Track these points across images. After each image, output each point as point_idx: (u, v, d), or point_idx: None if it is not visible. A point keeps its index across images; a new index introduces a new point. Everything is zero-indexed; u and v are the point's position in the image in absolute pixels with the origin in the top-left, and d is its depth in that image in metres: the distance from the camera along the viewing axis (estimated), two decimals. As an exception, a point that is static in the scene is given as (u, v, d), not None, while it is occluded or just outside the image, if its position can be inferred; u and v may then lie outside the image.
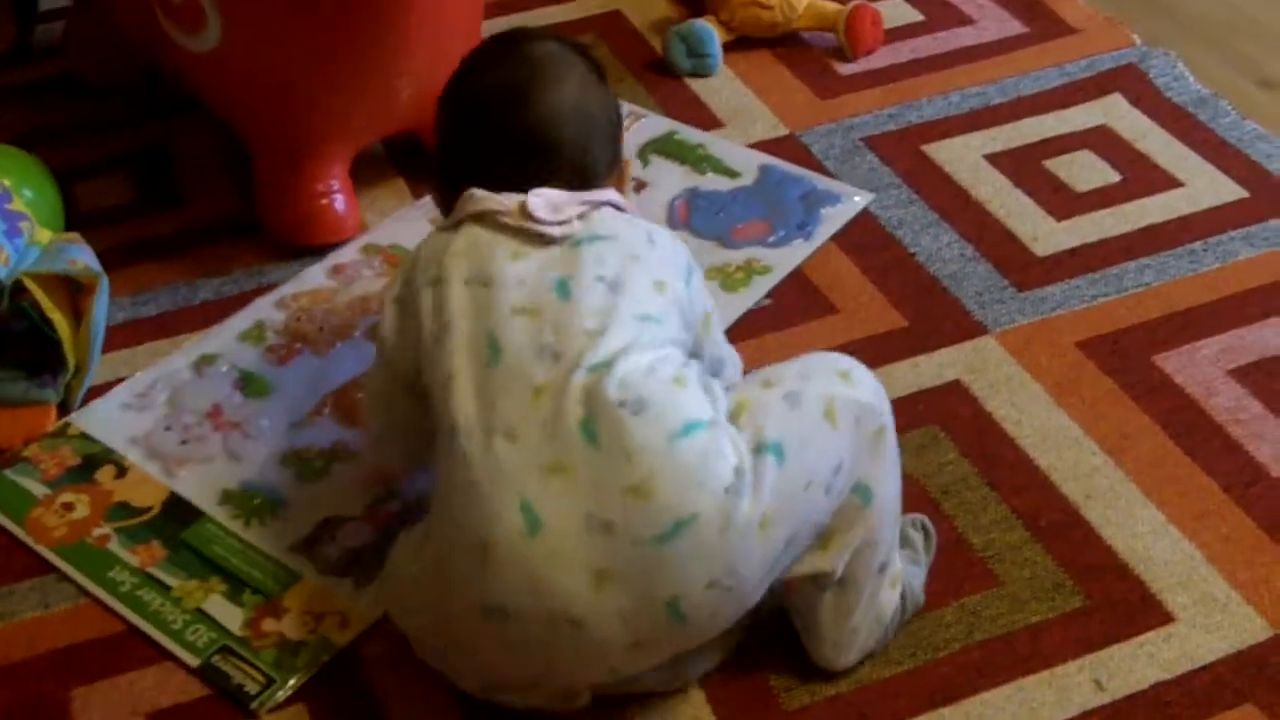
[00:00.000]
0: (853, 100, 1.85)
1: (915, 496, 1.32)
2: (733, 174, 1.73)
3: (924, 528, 1.24)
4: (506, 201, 1.16)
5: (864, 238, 1.62)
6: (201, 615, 1.26)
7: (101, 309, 1.46)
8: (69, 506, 1.37)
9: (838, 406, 1.09)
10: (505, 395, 1.07)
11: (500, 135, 1.21)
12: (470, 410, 1.07)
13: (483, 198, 1.17)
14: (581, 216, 1.17)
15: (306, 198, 1.64)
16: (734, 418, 1.07)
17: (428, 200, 1.72)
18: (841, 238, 1.63)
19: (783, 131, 1.80)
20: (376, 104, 1.62)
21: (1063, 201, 1.66)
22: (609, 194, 1.22)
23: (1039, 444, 1.36)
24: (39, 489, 1.38)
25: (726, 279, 1.57)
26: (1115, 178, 1.69)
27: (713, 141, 1.78)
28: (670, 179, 1.73)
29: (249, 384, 1.49)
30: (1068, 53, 1.90)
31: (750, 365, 1.41)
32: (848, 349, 1.42)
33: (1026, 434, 1.37)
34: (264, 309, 1.58)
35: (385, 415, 1.24)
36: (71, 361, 1.44)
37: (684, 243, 1.26)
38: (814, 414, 1.08)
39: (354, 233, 1.67)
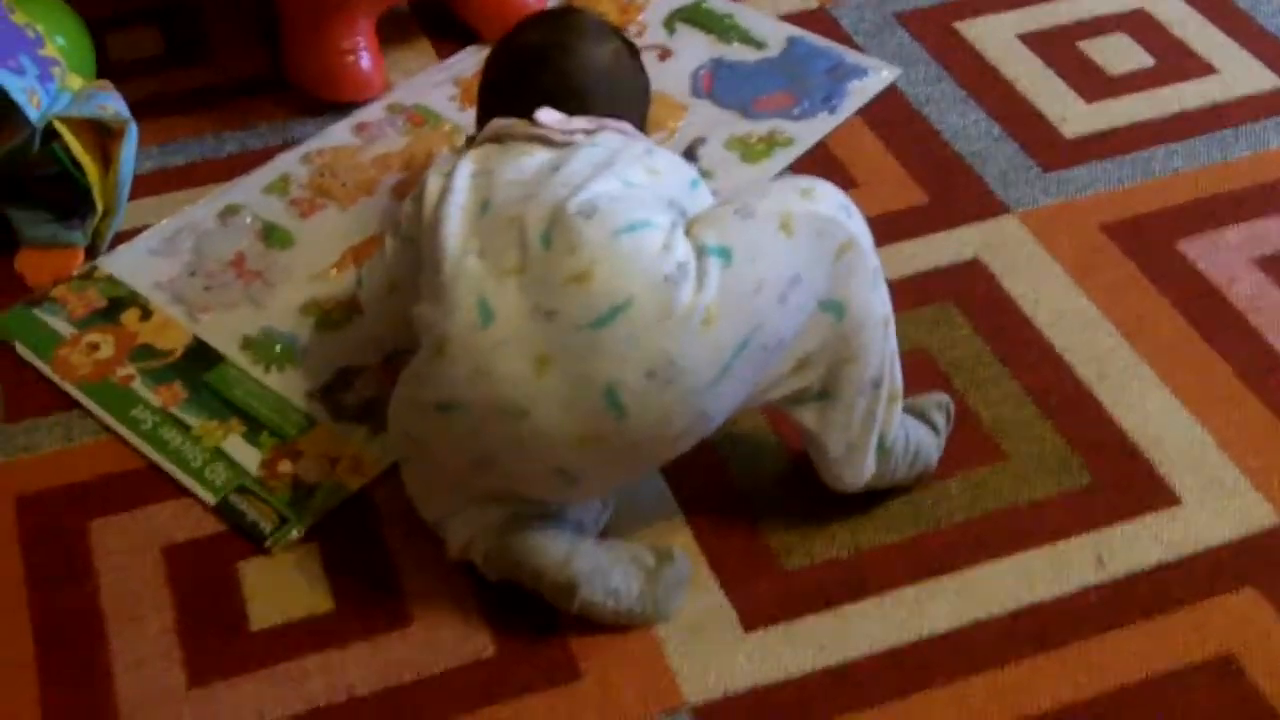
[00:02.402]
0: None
1: (925, 370, 1.31)
2: (759, 45, 1.69)
3: (947, 411, 1.23)
4: (513, 121, 1.20)
5: (889, 113, 1.59)
6: (220, 455, 1.27)
7: (130, 155, 1.45)
8: (94, 346, 1.37)
9: (795, 218, 1.09)
10: (485, 231, 1.10)
11: (533, 80, 1.27)
12: (455, 243, 1.09)
13: (499, 121, 1.21)
14: (588, 133, 1.20)
15: (332, 54, 1.62)
16: (687, 229, 1.09)
17: (453, 61, 1.70)
18: (867, 112, 1.60)
19: (813, 4, 1.77)
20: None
21: (1094, 84, 1.62)
22: (621, 123, 1.24)
23: (1055, 323, 1.35)
24: (65, 328, 1.39)
25: (747, 149, 1.55)
26: (1149, 62, 1.65)
27: (741, 12, 1.74)
28: (695, 48, 1.69)
29: (272, 235, 1.48)
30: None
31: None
32: (868, 219, 1.42)
33: (1043, 313, 1.36)
34: (288, 163, 1.57)
35: (376, 311, 1.26)
36: (100, 205, 1.44)
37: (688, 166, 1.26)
38: (767, 225, 1.08)
39: (379, 91, 1.65)
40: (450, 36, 1.74)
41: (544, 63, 1.30)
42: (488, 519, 1.12)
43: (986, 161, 1.52)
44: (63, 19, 1.57)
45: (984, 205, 1.47)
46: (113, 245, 1.48)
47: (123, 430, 1.30)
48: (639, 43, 1.67)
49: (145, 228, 1.50)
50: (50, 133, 1.41)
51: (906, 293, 1.37)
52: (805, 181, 1.15)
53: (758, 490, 1.22)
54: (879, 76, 1.64)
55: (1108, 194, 1.48)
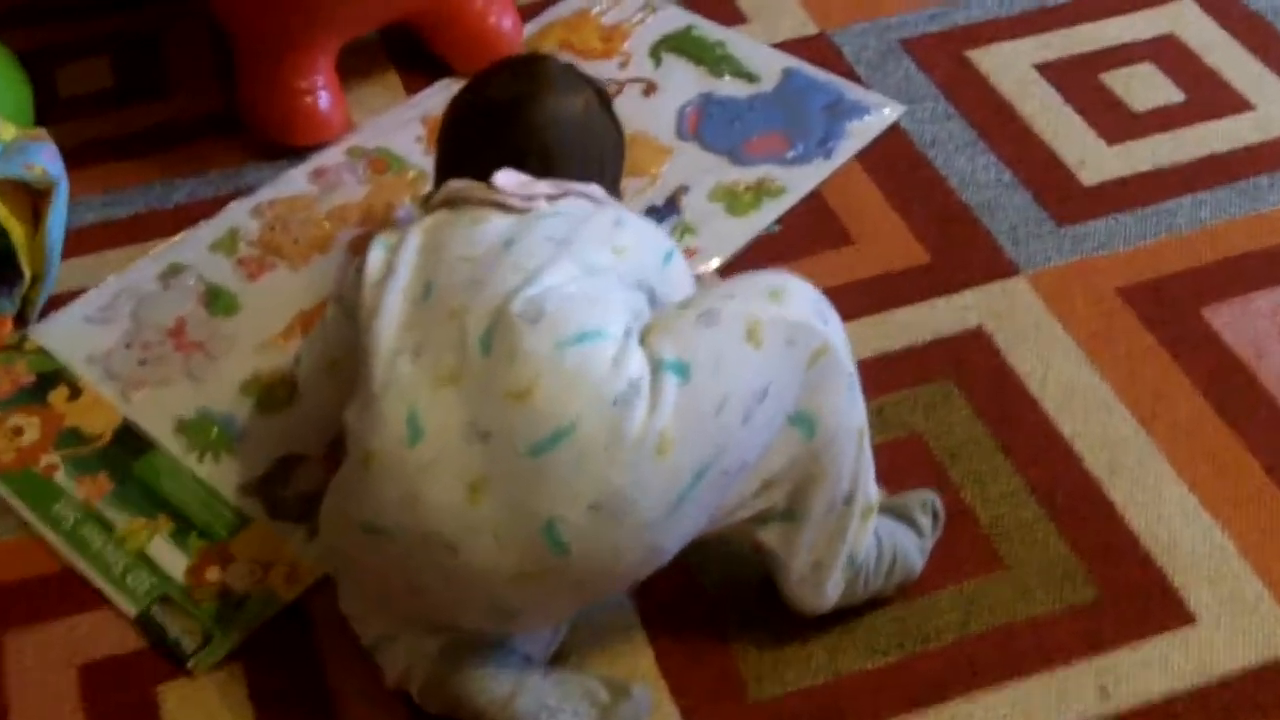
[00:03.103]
0: (895, -4, 1.69)
1: (918, 460, 1.21)
2: (752, 78, 1.59)
3: (934, 511, 1.14)
4: (474, 184, 1.13)
5: (891, 157, 1.49)
6: (144, 560, 1.19)
7: (59, 217, 1.37)
8: (18, 430, 1.29)
9: (763, 327, 0.99)
10: (425, 323, 1.01)
11: (496, 136, 1.20)
12: (389, 336, 1.01)
13: (455, 183, 1.15)
14: (551, 199, 1.12)
15: (288, 94, 1.53)
16: (644, 338, 0.99)
17: (421, 97, 1.61)
18: (866, 156, 1.50)
19: (812, 30, 1.66)
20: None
21: (1117, 122, 1.51)
22: (590, 187, 1.16)
23: (1064, 405, 1.24)
24: (-12, 409, 1.31)
25: (734, 200, 1.45)
26: (1178, 97, 1.54)
27: (733, 39, 1.64)
28: (683, 82, 1.59)
29: (216, 300, 1.40)
30: (1137, -52, 1.73)
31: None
32: (862, 285, 1.34)
33: (1051, 392, 1.26)
34: (238, 215, 1.48)
35: (313, 396, 1.18)
36: (28, 272, 1.36)
37: (660, 230, 1.23)
38: (731, 334, 0.99)
39: (339, 132, 1.56)
40: (420, 68, 1.65)
41: (507, 118, 1.21)
42: (425, 648, 1.04)
43: (996, 213, 1.42)
44: (-6, 61, 1.50)
45: (991, 265, 1.37)
46: (47, 310, 1.40)
47: (42, 529, 1.22)
48: (622, 75, 1.58)
49: (83, 290, 1.42)
50: (-29, 196, 1.34)
51: (902, 368, 1.28)
52: (775, 280, 1.05)
53: (730, 602, 1.13)
54: (881, 115, 1.53)
55: (1127, 252, 1.37)
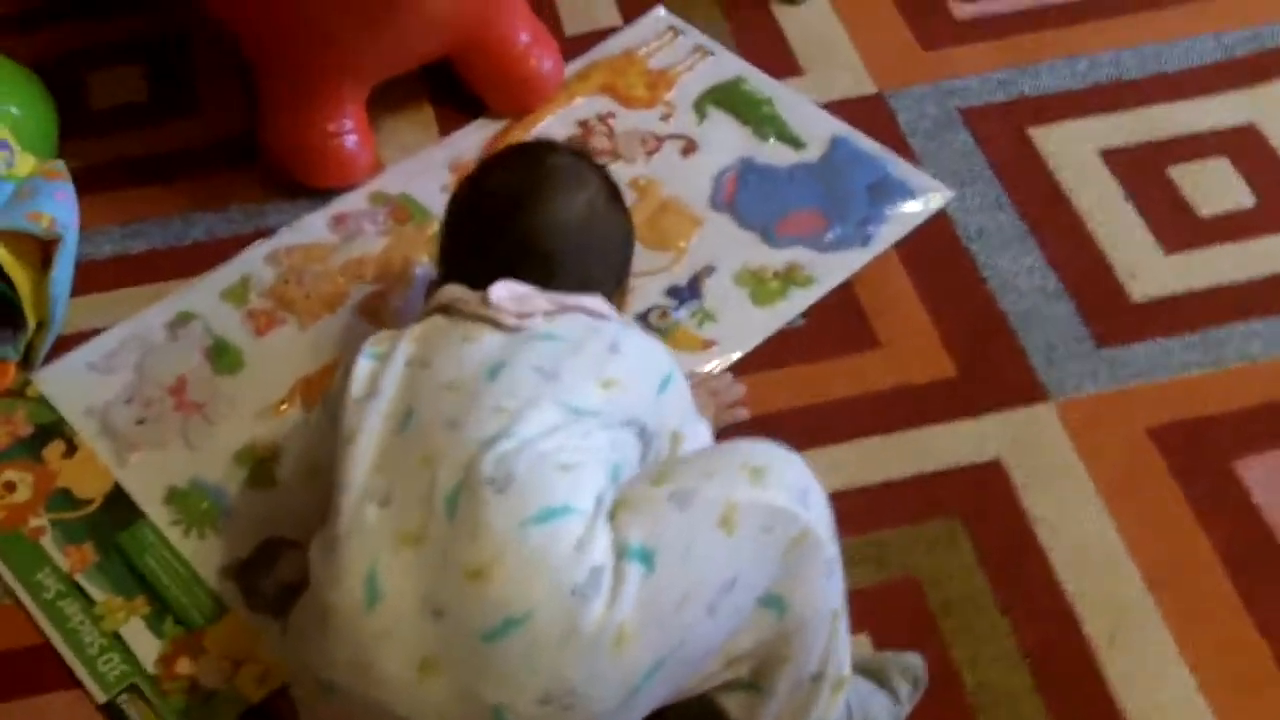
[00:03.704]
0: (959, 56, 1.63)
1: (911, 608, 1.19)
2: (798, 144, 1.55)
3: (914, 678, 1.12)
4: (472, 294, 1.12)
5: (932, 248, 1.45)
6: (118, 642, 1.22)
7: (65, 267, 1.38)
8: (11, 487, 1.32)
9: (739, 512, 0.98)
10: (398, 463, 1.01)
11: (497, 238, 1.18)
12: (362, 472, 1.02)
13: (451, 290, 1.15)
14: (548, 315, 1.11)
15: (314, 135, 1.52)
16: (613, 515, 0.98)
17: (452, 140, 1.60)
18: (906, 245, 1.45)
19: (869, 89, 1.61)
20: (403, 33, 1.47)
21: (1178, 226, 1.45)
22: (590, 300, 1.15)
23: (1073, 560, 1.21)
24: (-16, 461, 1.34)
25: (760, 287, 1.42)
26: (1249, 201, 1.48)
27: (784, 96, 1.60)
28: (725, 142, 1.56)
29: (221, 355, 1.41)
30: (1230, 16, 1.64)
31: (765, 401, 1.30)
32: (881, 398, 1.31)
33: (1062, 544, 1.23)
34: (253, 262, 1.49)
35: (294, 496, 1.16)
36: (32, 320, 1.38)
37: (662, 345, 1.19)
38: (704, 519, 0.97)
39: (365, 175, 1.55)
40: (456, 104, 1.63)
41: (505, 221, 1.19)
42: None
43: (1033, 326, 1.37)
44: (19, 86, 1.51)
45: (1020, 387, 1.33)
46: (54, 353, 1.42)
47: (25, 597, 1.25)
48: (662, 129, 1.56)
49: (92, 332, 1.44)
50: (-22, 242, 1.35)
51: (909, 498, 1.26)
52: (759, 456, 1.02)
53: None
54: (926, 200, 1.49)
55: (1166, 384, 1.33)
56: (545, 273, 1.15)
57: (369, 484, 1.01)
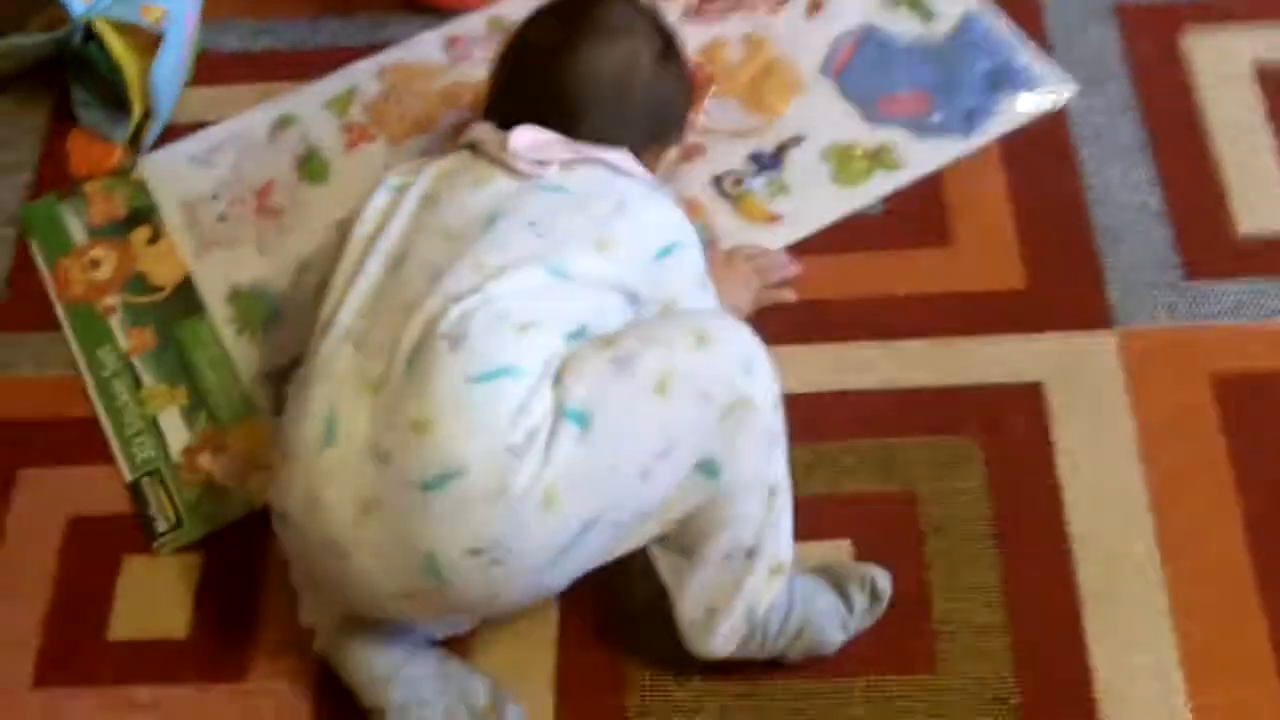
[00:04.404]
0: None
1: (901, 523, 1.17)
2: (928, 16, 1.47)
3: (873, 588, 1.10)
4: (497, 134, 1.13)
5: (1038, 148, 1.36)
6: (153, 427, 1.30)
7: (168, 62, 1.43)
8: (95, 263, 1.41)
9: (676, 377, 0.99)
10: (382, 306, 1.05)
11: (532, 84, 1.18)
12: (350, 312, 1.06)
13: (479, 128, 1.16)
14: (566, 165, 1.12)
15: (439, -51, 1.52)
16: (559, 376, 0.99)
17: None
18: (1011, 139, 1.37)
19: (1029, -36, 1.50)
20: None
21: (1316, 158, 1.33)
22: (613, 154, 1.14)
23: (1086, 503, 1.16)
24: (79, 234, 1.43)
25: (845, 164, 1.37)
26: None
27: (930, -37, 1.51)
28: (852, 3, 1.49)
29: (310, 163, 1.46)
30: None
31: (817, 286, 1.28)
32: (938, 300, 1.28)
33: (1080, 484, 1.17)
34: (362, 74, 1.52)
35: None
36: (138, 108, 1.44)
37: (686, 216, 1.17)
38: (643, 384, 0.99)
39: (485, 1, 1.55)
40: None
41: (540, 65, 1.19)
42: (328, 613, 1.11)
43: (1121, 245, 1.29)
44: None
45: (1087, 310, 1.26)
46: (164, 140, 1.49)
47: (85, 371, 1.34)
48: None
49: (204, 123, 1.50)
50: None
51: (933, 410, 1.23)
52: (705, 323, 1.03)
53: (648, 629, 1.13)
54: (1046, 95, 1.39)
55: (1246, 329, 1.23)
56: (570, 120, 1.15)
57: (352, 325, 1.05)
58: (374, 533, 0.99)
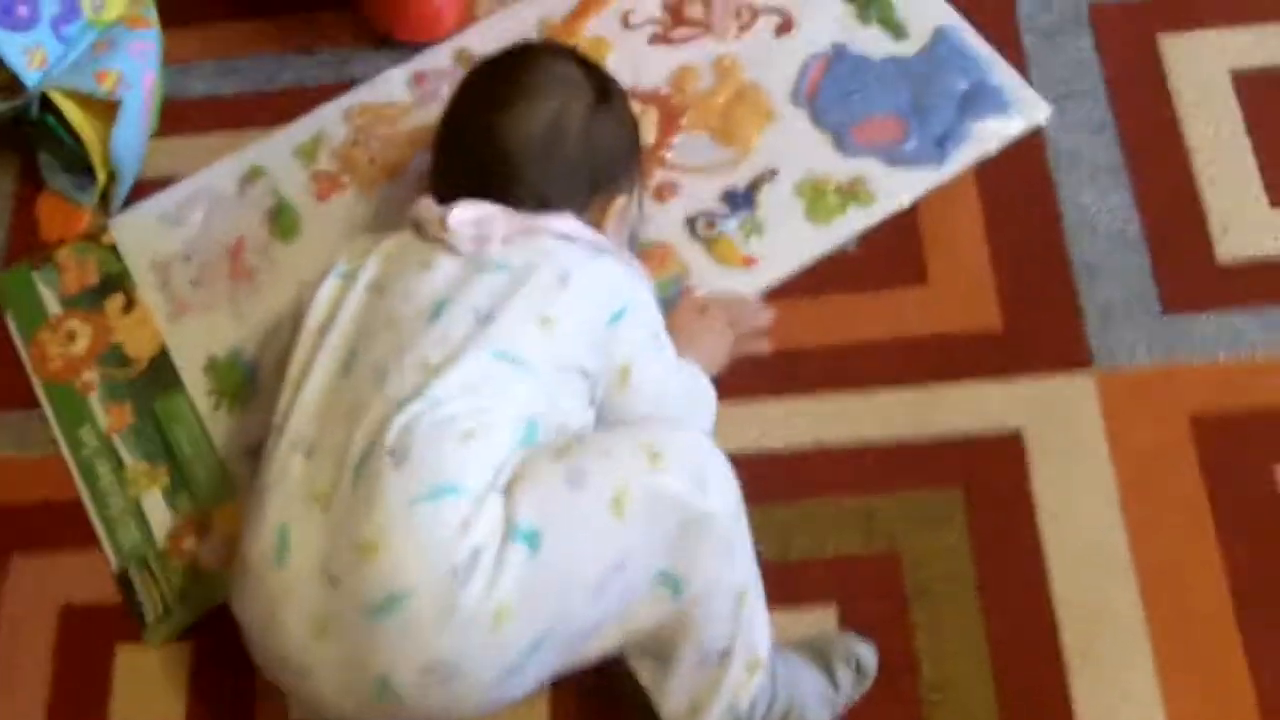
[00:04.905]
0: (1109, -67, 1.48)
1: (886, 585, 1.18)
2: (899, 32, 1.45)
3: (859, 665, 1.11)
4: (437, 212, 1.13)
5: (1013, 174, 1.35)
6: (137, 511, 1.31)
7: (128, 126, 1.42)
8: (71, 336, 1.42)
9: (631, 496, 0.99)
10: (331, 411, 1.06)
11: (463, 148, 1.20)
12: (299, 419, 1.07)
13: (421, 206, 1.16)
14: (508, 240, 1.11)
15: (398, -15, 1.51)
16: (510, 487, 1.00)
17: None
18: (986, 166, 1.36)
19: (1001, -30, 1.48)
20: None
21: (1295, 173, 1.31)
22: (554, 220, 1.14)
23: (1067, 556, 1.17)
24: (53, 305, 1.43)
25: (818, 200, 1.36)
26: (1390, 150, 1.31)
27: (898, -27, 1.49)
28: (822, 23, 1.47)
29: (280, 217, 1.45)
30: None
31: (791, 334, 1.27)
32: (915, 345, 1.27)
33: (1059, 537, 1.18)
34: (329, 117, 1.51)
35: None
36: (101, 174, 1.44)
37: (634, 268, 1.18)
38: (596, 502, 0.99)
39: (451, 29, 1.54)
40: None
41: (472, 128, 1.20)
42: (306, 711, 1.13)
43: (1098, 279, 1.28)
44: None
45: (1065, 350, 1.26)
46: (134, 197, 1.49)
47: (66, 451, 1.35)
48: (760, 1, 1.47)
49: (175, 177, 1.49)
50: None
51: (916, 462, 1.23)
52: (662, 436, 1.04)
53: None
54: (1019, 116, 1.38)
55: (1226, 365, 1.23)
56: (506, 186, 1.15)
57: (302, 432, 1.06)
58: (329, 654, 1.00)
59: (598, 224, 1.18)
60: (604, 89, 1.21)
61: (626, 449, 1.02)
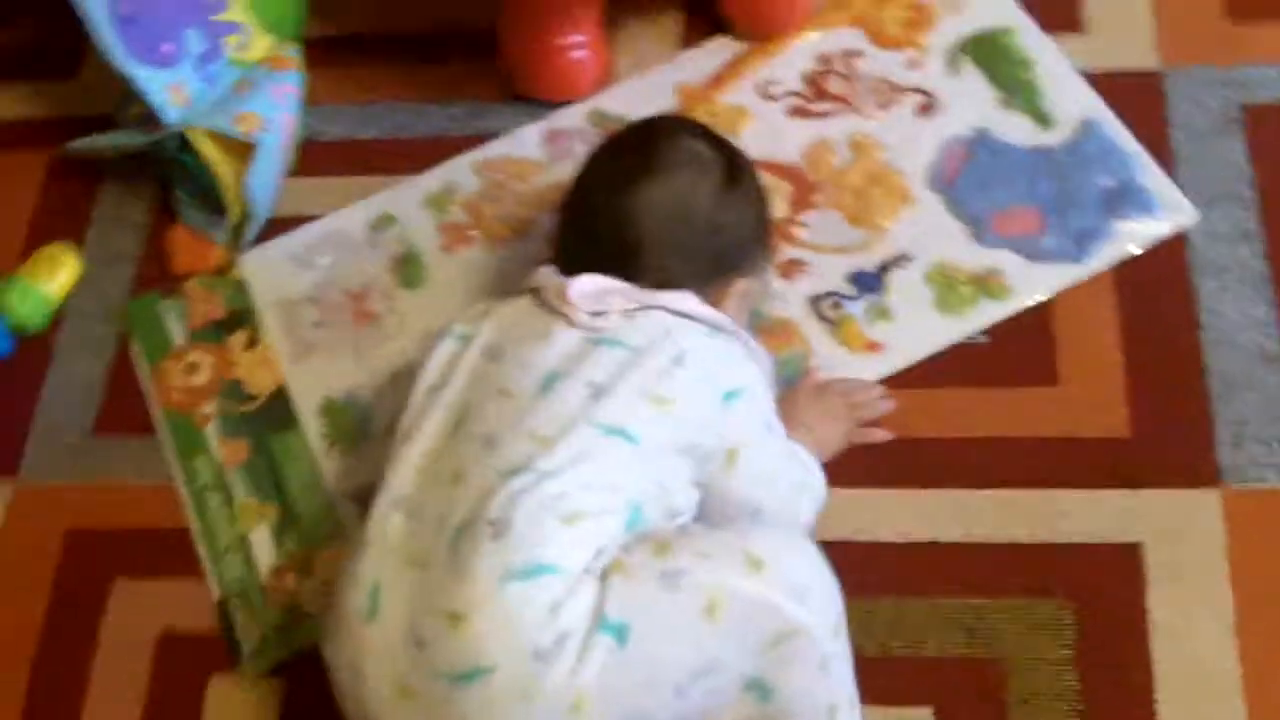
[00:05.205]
0: (1271, 36, 1.46)
1: (987, 692, 1.17)
2: (1045, 122, 1.45)
3: None
4: (557, 282, 1.16)
5: (1152, 277, 1.34)
6: (243, 545, 1.35)
7: (264, 169, 1.47)
8: (193, 369, 1.47)
9: (725, 602, 1.00)
10: (436, 474, 1.09)
11: (587, 223, 1.22)
12: (402, 479, 1.10)
13: (542, 274, 1.20)
14: (627, 314, 1.14)
15: (539, 42, 1.55)
16: (606, 575, 1.02)
17: (687, 57, 1.59)
18: (1125, 266, 1.35)
19: (1151, 63, 1.48)
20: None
21: None
22: (674, 298, 1.16)
23: (1179, 683, 1.15)
24: (179, 335, 1.49)
25: (949, 290, 1.37)
26: None
27: (1048, 59, 1.49)
28: (967, 105, 1.48)
29: (407, 266, 1.49)
30: None
31: (910, 424, 1.28)
32: (1039, 446, 1.28)
33: (1174, 659, 1.16)
34: (461, 169, 1.55)
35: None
36: (234, 211, 1.50)
37: (752, 349, 1.20)
38: (690, 604, 1.00)
39: (589, 90, 1.58)
40: (707, 17, 1.60)
41: (596, 210, 1.22)
42: None
43: (1234, 395, 1.27)
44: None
45: (1193, 464, 1.24)
46: (267, 235, 1.54)
47: (180, 480, 1.40)
48: (903, 79, 1.51)
49: (307, 217, 1.54)
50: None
51: (1026, 568, 1.23)
52: (766, 545, 1.04)
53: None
54: (1164, 221, 1.37)
55: (1362, 496, 1.21)
56: (628, 262, 1.18)
57: (404, 491, 1.09)
58: (410, 715, 1.03)
59: (717, 303, 1.20)
60: (733, 169, 1.23)
61: (728, 553, 1.03)
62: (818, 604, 1.02)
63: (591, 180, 1.24)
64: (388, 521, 1.08)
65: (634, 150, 1.23)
